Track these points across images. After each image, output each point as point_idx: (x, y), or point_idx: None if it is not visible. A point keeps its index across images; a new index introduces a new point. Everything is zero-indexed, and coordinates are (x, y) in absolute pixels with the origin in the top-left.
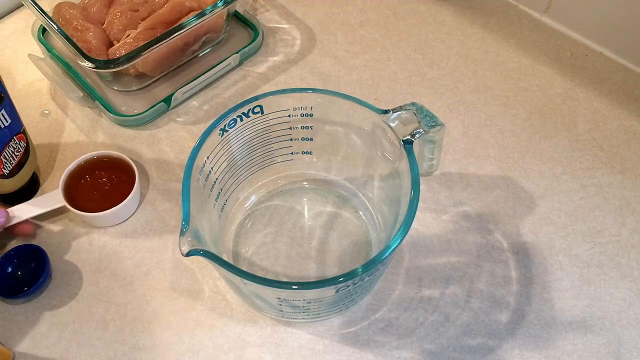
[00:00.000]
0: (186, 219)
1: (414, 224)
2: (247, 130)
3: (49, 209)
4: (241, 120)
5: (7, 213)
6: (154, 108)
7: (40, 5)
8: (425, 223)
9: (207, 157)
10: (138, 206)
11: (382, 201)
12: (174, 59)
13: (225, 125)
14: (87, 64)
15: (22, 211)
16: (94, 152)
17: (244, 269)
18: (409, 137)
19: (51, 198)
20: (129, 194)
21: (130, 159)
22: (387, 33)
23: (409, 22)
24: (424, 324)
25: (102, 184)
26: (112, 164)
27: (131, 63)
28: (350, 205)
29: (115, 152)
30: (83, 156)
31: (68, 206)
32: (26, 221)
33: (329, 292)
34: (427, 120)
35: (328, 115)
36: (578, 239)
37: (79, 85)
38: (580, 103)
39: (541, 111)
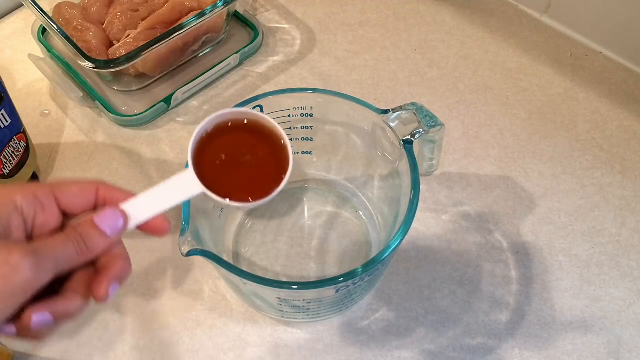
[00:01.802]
0: (186, 219)
1: (414, 224)
2: None
3: (183, 199)
4: None
5: (122, 212)
6: (154, 108)
7: (40, 5)
8: (425, 223)
9: None
10: None
11: (382, 201)
12: (174, 59)
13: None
14: (87, 64)
15: (145, 207)
16: (228, 110)
17: (244, 269)
18: (409, 137)
19: (181, 183)
20: (277, 176)
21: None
22: (387, 33)
23: (409, 22)
24: (424, 324)
25: (239, 158)
26: (250, 130)
27: (131, 63)
28: (350, 205)
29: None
30: (216, 115)
31: (210, 194)
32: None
33: (329, 292)
34: (427, 120)
35: (328, 115)
36: (578, 239)
37: (79, 85)
38: (580, 103)
39: (541, 111)
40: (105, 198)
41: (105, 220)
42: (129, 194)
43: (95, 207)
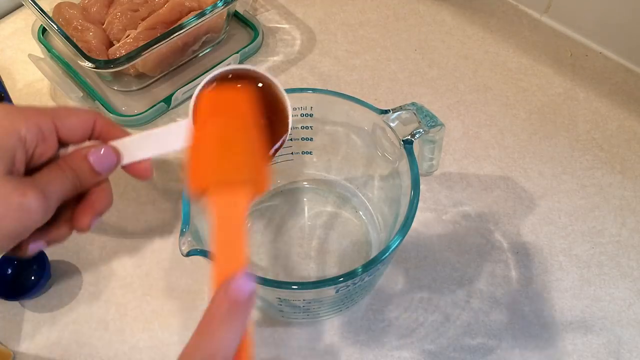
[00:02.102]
0: (186, 219)
1: (414, 224)
2: None
3: (175, 147)
4: None
5: (116, 153)
6: (154, 108)
7: (40, 5)
8: (425, 223)
9: None
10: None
11: (382, 201)
12: (174, 59)
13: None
14: (87, 64)
15: (138, 148)
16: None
17: None
18: (409, 137)
19: (176, 132)
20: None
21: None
22: (387, 33)
23: (409, 22)
24: (424, 324)
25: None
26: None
27: (131, 63)
28: (350, 205)
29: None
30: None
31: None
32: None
33: (328, 292)
34: (427, 120)
35: (328, 115)
36: (578, 239)
37: (79, 85)
38: (580, 103)
39: (541, 111)
40: (101, 131)
41: (100, 160)
42: (124, 132)
43: (90, 138)
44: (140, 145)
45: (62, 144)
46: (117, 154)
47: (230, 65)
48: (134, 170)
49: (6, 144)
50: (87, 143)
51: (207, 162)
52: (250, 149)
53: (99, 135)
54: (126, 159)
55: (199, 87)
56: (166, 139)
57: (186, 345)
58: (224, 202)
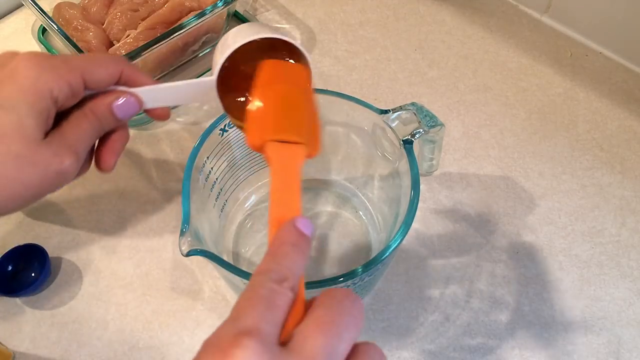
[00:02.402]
0: (186, 219)
1: (414, 224)
2: None
3: (194, 101)
4: None
5: (138, 102)
6: None
7: (40, 5)
8: (425, 223)
9: (207, 157)
10: None
11: (382, 201)
12: (174, 59)
13: (225, 125)
14: None
15: (160, 97)
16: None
17: (244, 269)
18: (409, 137)
19: (198, 88)
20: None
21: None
22: (387, 33)
23: (409, 22)
24: (424, 324)
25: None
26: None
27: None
28: (350, 205)
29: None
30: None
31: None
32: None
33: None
34: (427, 120)
35: (328, 115)
36: (578, 239)
37: None
38: (580, 103)
39: (541, 111)
40: (127, 79)
41: (123, 108)
42: (149, 79)
43: (116, 84)
44: (163, 95)
45: (87, 88)
46: (140, 102)
47: (265, 32)
48: (153, 114)
49: (41, 107)
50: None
51: (271, 118)
52: (309, 114)
53: (125, 82)
54: (147, 105)
55: (230, 48)
56: (188, 93)
57: (258, 266)
58: (283, 155)
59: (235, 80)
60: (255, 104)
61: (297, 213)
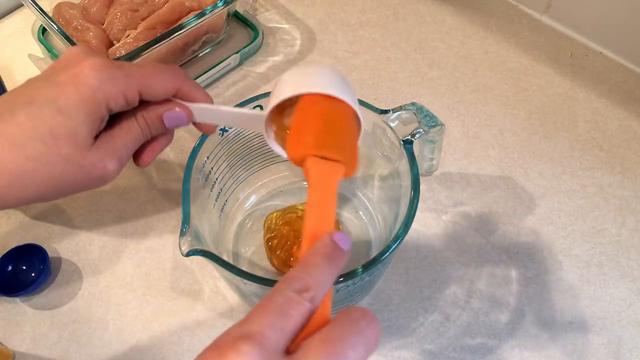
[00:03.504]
0: (186, 219)
1: (414, 224)
2: (247, 130)
3: (242, 127)
4: None
5: (189, 117)
6: None
7: (40, 5)
8: (425, 223)
9: (207, 157)
10: None
11: (382, 201)
12: (174, 59)
13: (225, 125)
14: None
15: (210, 116)
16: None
17: (244, 269)
18: (409, 137)
19: (250, 118)
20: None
21: None
22: (387, 33)
23: (409, 22)
24: (424, 324)
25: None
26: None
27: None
28: (350, 205)
29: None
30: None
31: (272, 143)
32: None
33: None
34: (427, 120)
35: None
36: (578, 239)
37: None
38: (580, 103)
39: (541, 111)
40: (183, 94)
41: (173, 119)
42: (205, 96)
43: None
44: (213, 115)
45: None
46: (190, 116)
47: (327, 87)
48: (200, 127)
49: (95, 117)
50: None
51: (313, 134)
52: (348, 135)
53: (181, 96)
54: (196, 119)
55: (289, 94)
56: (237, 119)
57: (287, 273)
58: (322, 170)
59: (280, 107)
60: (299, 119)
61: (332, 228)
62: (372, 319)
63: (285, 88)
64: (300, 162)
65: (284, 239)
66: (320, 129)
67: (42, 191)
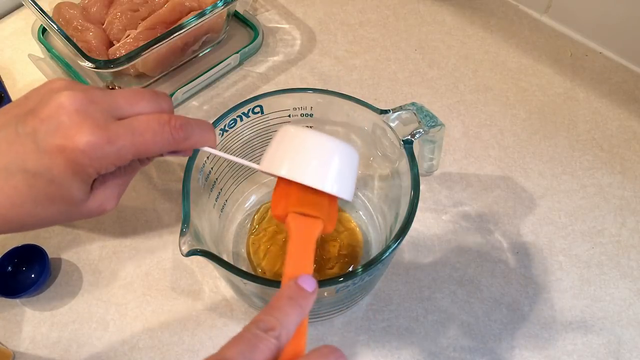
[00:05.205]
0: (186, 219)
1: (414, 224)
2: (247, 130)
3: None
4: (241, 120)
5: (189, 151)
6: None
7: (40, 5)
8: (425, 223)
9: (207, 157)
10: None
11: (382, 201)
12: (174, 59)
13: (225, 125)
14: (87, 64)
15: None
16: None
17: (244, 269)
18: (409, 137)
19: (247, 167)
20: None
21: None
22: (387, 33)
23: (409, 22)
24: (424, 324)
25: None
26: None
27: (131, 63)
28: (350, 205)
29: None
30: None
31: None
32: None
33: (329, 292)
34: (427, 120)
35: (328, 115)
36: (578, 239)
37: None
38: (580, 103)
39: (541, 111)
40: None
41: (173, 153)
42: (210, 141)
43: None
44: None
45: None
46: (190, 153)
47: (319, 181)
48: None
49: (90, 181)
50: None
51: (294, 195)
52: (328, 199)
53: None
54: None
55: (281, 173)
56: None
57: (256, 316)
58: (301, 226)
59: None
60: (282, 183)
61: (307, 272)
62: (340, 356)
63: (278, 161)
64: (282, 219)
65: (268, 242)
66: (302, 192)
67: (42, 227)
